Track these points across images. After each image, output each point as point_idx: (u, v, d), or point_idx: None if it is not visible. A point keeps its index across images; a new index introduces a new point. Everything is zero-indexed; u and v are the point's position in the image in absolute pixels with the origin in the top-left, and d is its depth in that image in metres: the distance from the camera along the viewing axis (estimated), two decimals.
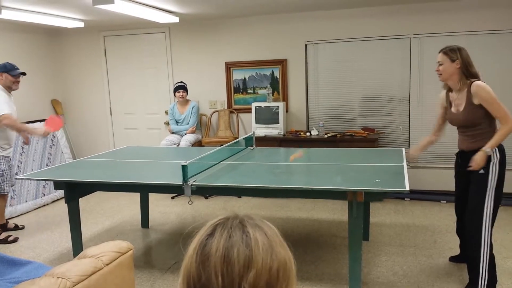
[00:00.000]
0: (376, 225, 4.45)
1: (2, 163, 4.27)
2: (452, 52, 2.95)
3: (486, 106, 2.85)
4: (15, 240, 4.35)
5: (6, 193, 4.38)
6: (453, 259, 3.58)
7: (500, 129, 2.84)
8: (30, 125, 4.73)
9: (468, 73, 2.93)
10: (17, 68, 4.26)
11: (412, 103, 5.36)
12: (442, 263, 3.56)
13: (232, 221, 0.82)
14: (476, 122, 2.93)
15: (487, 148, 2.85)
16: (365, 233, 3.95)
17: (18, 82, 4.27)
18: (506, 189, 4.96)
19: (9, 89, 4.23)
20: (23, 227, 4.73)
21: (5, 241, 4.30)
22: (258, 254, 0.77)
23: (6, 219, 4.66)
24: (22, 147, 5.26)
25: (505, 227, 4.31)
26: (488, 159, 2.87)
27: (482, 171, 2.91)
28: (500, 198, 2.93)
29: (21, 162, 5.30)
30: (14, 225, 4.71)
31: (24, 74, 4.31)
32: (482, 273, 2.90)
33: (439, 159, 5.29)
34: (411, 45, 5.28)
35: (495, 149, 2.88)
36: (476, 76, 2.93)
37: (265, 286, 0.76)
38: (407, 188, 2.75)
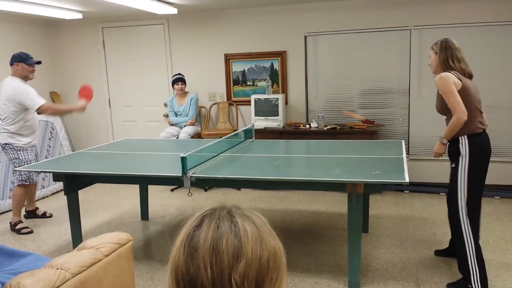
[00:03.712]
0: (376, 217, 4.46)
1: (29, 153, 4.32)
2: (435, 45, 3.02)
3: (443, 96, 2.88)
4: (31, 232, 4.38)
5: (35, 182, 4.48)
6: (439, 253, 3.55)
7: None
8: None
9: (447, 65, 2.93)
10: (32, 57, 4.30)
11: (411, 95, 5.35)
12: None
13: (220, 211, 0.80)
14: (444, 112, 2.99)
15: (443, 137, 2.97)
16: (364, 225, 3.95)
17: (34, 71, 4.32)
18: (505, 181, 5.02)
19: (25, 78, 4.29)
20: (51, 215, 4.84)
21: (18, 231, 4.35)
22: (248, 244, 0.75)
23: (36, 207, 4.84)
24: None
25: (504, 219, 4.31)
26: (457, 152, 2.89)
27: (453, 165, 2.96)
28: (477, 192, 2.91)
29: None
30: (42, 212, 4.84)
31: (39, 63, 4.37)
32: (472, 268, 2.87)
33: None
34: (411, 37, 5.25)
35: (464, 143, 2.87)
36: (455, 69, 2.90)
37: (256, 276, 0.75)
38: (407, 180, 2.75)
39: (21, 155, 4.28)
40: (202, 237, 0.76)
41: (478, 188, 2.93)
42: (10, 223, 4.42)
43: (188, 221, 0.82)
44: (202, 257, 0.75)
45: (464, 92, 2.84)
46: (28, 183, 4.37)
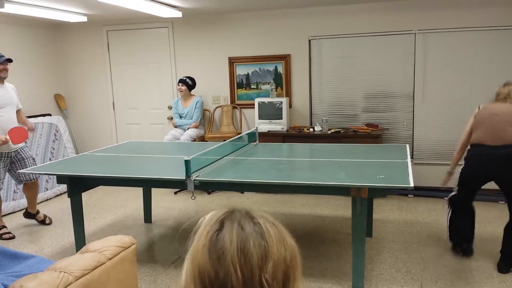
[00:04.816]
0: (380, 222, 4.44)
1: None
2: None
3: None
4: (11, 237, 4.29)
5: None
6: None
7: None
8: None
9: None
10: (2, 56, 4.18)
11: (416, 99, 5.33)
12: (446, 260, 3.54)
13: (238, 213, 0.80)
14: None
15: None
16: (368, 230, 3.93)
17: (6, 69, 4.18)
18: None
19: None
20: (50, 223, 4.69)
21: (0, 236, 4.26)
22: (273, 244, 0.76)
23: (37, 210, 4.67)
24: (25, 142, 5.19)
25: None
26: None
27: None
28: (462, 188, 3.52)
29: None
30: (42, 217, 4.68)
31: (10, 60, 4.21)
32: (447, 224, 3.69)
33: (444, 155, 5.26)
34: (415, 41, 5.24)
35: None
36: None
37: (283, 276, 0.76)
38: (411, 184, 2.74)
39: None
40: (227, 239, 0.75)
41: (466, 186, 3.49)
42: None
43: (203, 227, 0.80)
44: (230, 259, 0.74)
45: (477, 117, 3.47)
46: None
